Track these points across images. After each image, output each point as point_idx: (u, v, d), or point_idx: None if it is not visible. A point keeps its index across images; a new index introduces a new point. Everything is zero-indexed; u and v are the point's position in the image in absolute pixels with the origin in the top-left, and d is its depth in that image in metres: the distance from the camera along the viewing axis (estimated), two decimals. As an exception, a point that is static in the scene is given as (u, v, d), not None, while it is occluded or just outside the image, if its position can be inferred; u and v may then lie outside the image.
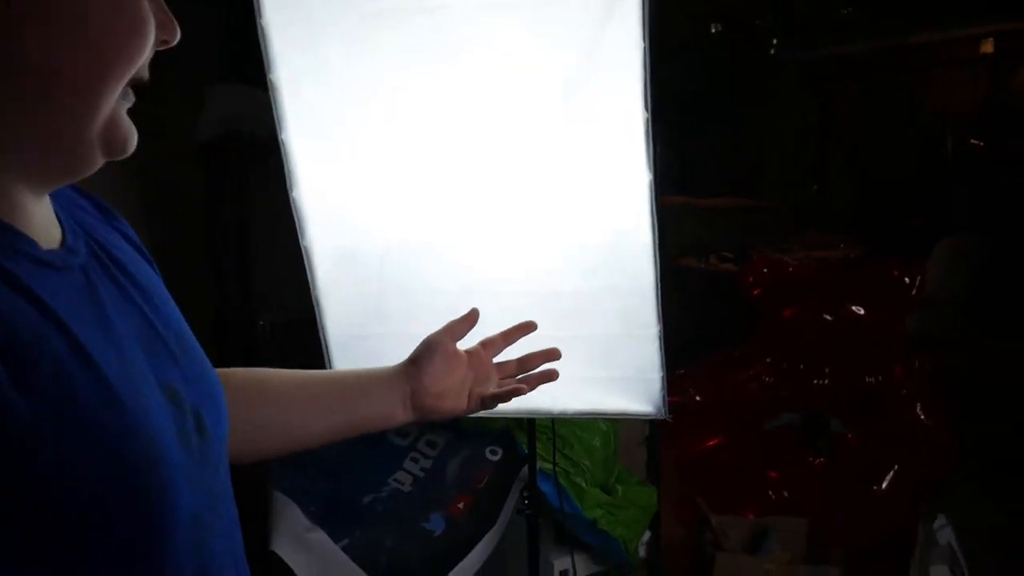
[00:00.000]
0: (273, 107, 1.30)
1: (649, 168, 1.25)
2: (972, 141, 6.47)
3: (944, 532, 2.62)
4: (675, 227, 6.44)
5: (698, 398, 3.19)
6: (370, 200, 1.35)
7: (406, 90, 1.27)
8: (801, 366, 3.47)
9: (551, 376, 0.97)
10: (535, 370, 0.98)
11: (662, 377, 1.36)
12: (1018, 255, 5.86)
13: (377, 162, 1.33)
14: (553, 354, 0.97)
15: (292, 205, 1.35)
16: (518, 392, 0.92)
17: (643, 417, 1.43)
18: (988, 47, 6.34)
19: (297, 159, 1.33)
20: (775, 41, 6.84)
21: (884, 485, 2.90)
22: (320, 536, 1.83)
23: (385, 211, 1.36)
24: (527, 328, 0.98)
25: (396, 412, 0.89)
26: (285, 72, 1.28)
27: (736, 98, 8.13)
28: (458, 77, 1.26)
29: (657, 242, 1.29)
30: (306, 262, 1.39)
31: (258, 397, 0.85)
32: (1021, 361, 4.72)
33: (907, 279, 3.29)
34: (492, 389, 0.93)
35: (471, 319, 0.94)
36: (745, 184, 8.17)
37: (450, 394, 0.90)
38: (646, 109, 1.22)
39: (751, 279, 3.55)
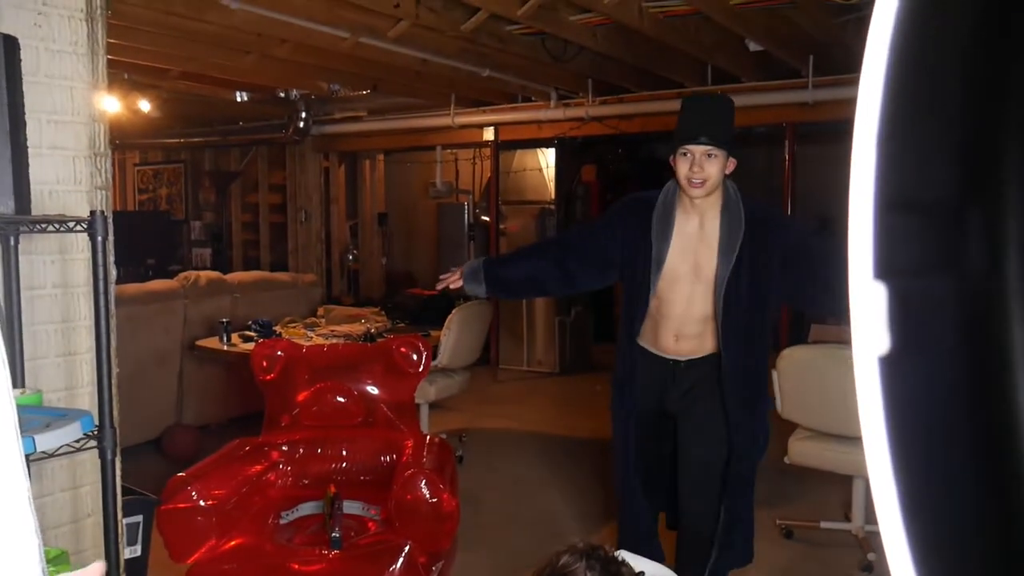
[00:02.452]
0: None
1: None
2: (482, 218, 7.18)
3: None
4: (212, 304, 6.07)
5: (203, 503, 2.87)
6: None
7: None
8: (318, 450, 3.37)
9: None
10: None
11: None
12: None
13: None
14: None
15: None
16: None
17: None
18: (490, 134, 7.12)
19: None
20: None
21: (398, 566, 2.87)
22: None
23: None
24: None
25: None
26: None
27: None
28: None
29: None
30: None
31: None
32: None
33: (414, 355, 3.38)
34: None
35: None
36: (277, 257, 8.07)
37: None
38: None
39: (264, 363, 3.36)
